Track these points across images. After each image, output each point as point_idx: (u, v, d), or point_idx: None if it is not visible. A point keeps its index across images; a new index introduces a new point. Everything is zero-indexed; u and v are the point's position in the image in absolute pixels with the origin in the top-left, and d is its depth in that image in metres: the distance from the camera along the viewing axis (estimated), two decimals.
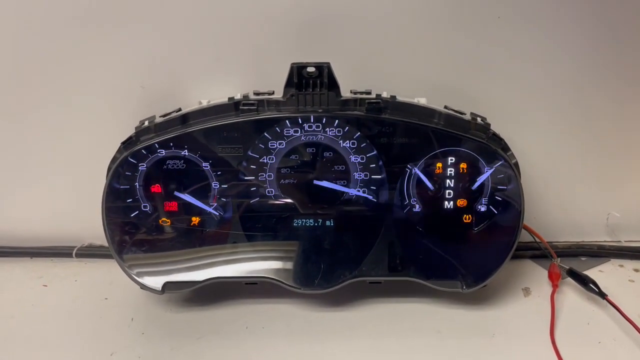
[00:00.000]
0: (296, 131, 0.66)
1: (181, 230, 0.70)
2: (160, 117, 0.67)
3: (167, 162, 0.67)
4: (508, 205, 0.68)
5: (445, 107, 0.68)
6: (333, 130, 0.66)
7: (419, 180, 0.68)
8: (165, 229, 0.70)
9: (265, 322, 0.69)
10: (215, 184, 0.68)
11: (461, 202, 0.69)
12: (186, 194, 0.68)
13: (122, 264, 0.68)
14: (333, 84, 0.64)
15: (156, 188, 0.68)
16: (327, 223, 0.70)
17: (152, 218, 0.69)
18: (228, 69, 0.75)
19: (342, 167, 0.68)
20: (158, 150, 0.66)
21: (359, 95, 0.66)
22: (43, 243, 0.84)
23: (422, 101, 0.68)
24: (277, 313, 0.70)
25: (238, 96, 0.66)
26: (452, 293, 0.69)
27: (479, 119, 0.67)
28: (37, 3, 0.71)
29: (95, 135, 0.77)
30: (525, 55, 0.74)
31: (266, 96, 0.66)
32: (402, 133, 0.66)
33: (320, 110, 0.65)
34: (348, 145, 0.67)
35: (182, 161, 0.67)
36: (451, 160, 0.67)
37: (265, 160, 0.68)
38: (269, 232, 0.70)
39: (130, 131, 0.67)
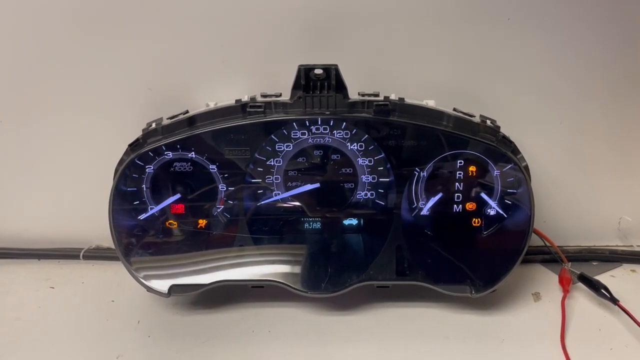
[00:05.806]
0: (303, 133, 0.66)
1: (188, 232, 0.70)
2: (167, 119, 0.67)
3: (174, 164, 0.67)
4: (518, 208, 0.67)
5: (454, 109, 0.67)
6: (341, 132, 0.66)
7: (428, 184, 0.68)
8: (172, 231, 0.70)
9: (272, 326, 0.68)
10: (222, 187, 0.68)
11: (470, 206, 0.68)
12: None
13: (128, 266, 0.68)
14: (341, 86, 0.63)
15: (163, 190, 0.68)
16: (335, 226, 0.69)
17: (159, 221, 0.69)
18: (235, 71, 0.75)
19: (350, 170, 0.68)
20: (165, 153, 0.66)
21: (366, 98, 0.65)
22: (50, 245, 0.84)
23: (430, 103, 0.68)
24: (284, 317, 0.70)
25: (245, 98, 0.66)
26: (461, 298, 0.69)
27: (488, 122, 0.66)
28: (43, 5, 0.71)
29: (102, 138, 0.77)
30: (536, 58, 0.73)
31: (273, 98, 0.66)
32: (411, 135, 0.65)
33: (327, 113, 0.65)
34: (356, 147, 0.67)
35: (189, 163, 0.67)
36: (460, 163, 0.67)
37: (272, 163, 0.67)
38: (275, 235, 0.70)
39: (137, 133, 0.67)
